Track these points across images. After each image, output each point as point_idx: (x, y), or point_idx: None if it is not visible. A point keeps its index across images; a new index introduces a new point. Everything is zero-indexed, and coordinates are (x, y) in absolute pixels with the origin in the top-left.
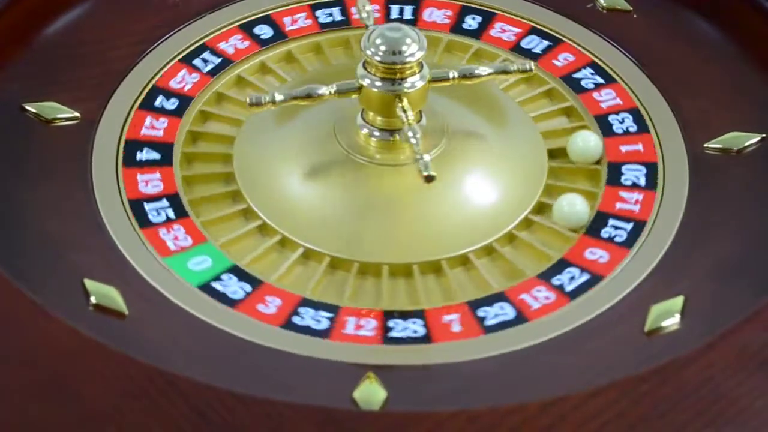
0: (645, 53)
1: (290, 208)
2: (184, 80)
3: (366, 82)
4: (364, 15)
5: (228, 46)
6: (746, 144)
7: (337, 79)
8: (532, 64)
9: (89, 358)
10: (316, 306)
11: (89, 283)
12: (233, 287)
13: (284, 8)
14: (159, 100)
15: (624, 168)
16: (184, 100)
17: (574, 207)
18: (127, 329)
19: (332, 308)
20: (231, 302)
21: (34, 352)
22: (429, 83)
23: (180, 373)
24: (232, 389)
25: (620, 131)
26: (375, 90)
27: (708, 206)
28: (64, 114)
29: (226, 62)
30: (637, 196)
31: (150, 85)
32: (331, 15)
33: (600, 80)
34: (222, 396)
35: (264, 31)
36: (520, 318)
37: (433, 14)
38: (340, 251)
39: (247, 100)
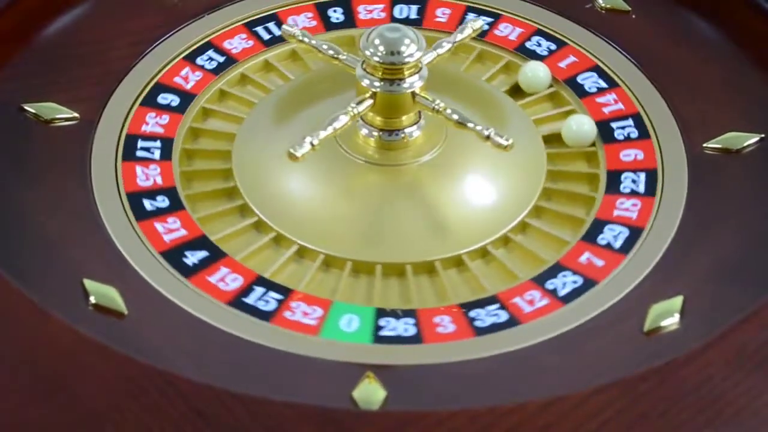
0: (644, 54)
1: (286, 206)
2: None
3: (365, 83)
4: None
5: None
6: (745, 144)
7: (341, 77)
8: (511, 142)
9: (88, 358)
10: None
11: (88, 283)
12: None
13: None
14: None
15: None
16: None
17: (582, 126)
18: (126, 329)
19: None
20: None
21: (33, 352)
22: (414, 100)
23: (179, 373)
24: (231, 389)
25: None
26: (373, 89)
27: (707, 206)
28: (63, 114)
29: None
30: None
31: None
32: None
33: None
34: (221, 396)
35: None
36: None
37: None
38: (334, 250)
39: (284, 29)
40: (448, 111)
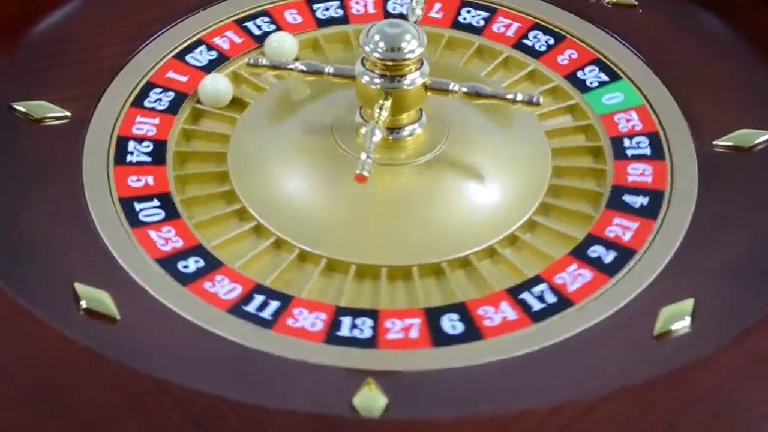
0: (651, 49)
1: (286, 209)
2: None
3: (365, 79)
4: (414, 17)
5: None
6: (756, 141)
7: (319, 84)
8: (540, 98)
9: (80, 365)
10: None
11: (79, 287)
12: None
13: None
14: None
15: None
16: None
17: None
18: (118, 334)
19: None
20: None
21: (23, 358)
22: (426, 89)
23: (174, 380)
24: (227, 396)
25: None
26: (373, 87)
27: (718, 205)
28: (53, 113)
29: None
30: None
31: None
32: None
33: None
34: (217, 403)
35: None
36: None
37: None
38: (337, 253)
39: (247, 60)
40: (465, 89)
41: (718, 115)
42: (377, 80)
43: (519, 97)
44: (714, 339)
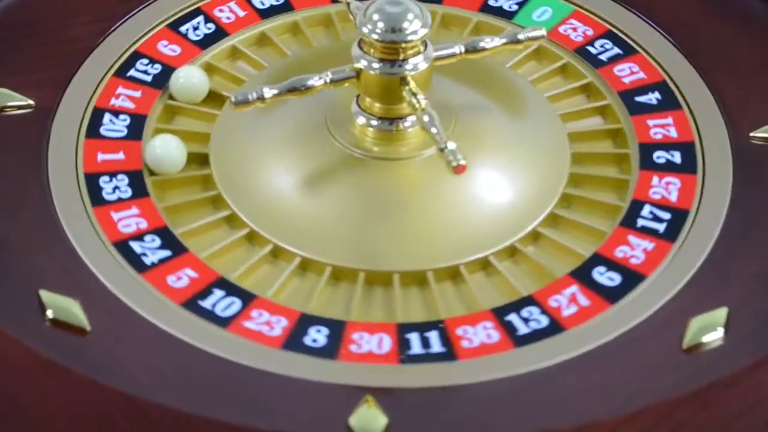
0: (688, 35)
1: (281, 213)
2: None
3: (363, 63)
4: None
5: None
6: None
7: (321, 64)
8: (544, 31)
9: (46, 380)
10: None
11: (45, 295)
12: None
13: None
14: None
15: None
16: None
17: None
18: (89, 347)
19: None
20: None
21: None
22: (433, 63)
23: (149, 398)
24: (206, 415)
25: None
26: (373, 73)
27: (755, 204)
28: (15, 102)
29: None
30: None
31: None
32: None
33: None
34: (197, 424)
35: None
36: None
37: None
38: (343, 260)
39: (231, 98)
40: (464, 48)
41: (756, 104)
42: (376, 65)
43: (523, 35)
44: (749, 352)
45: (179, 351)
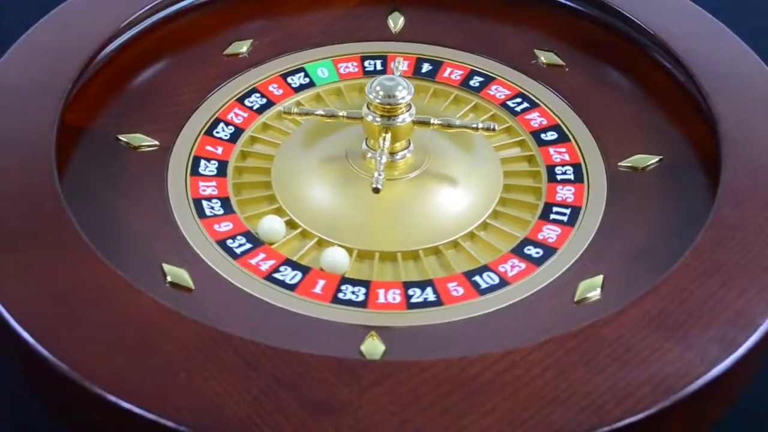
0: (575, 97)
1: (322, 216)
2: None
3: (369, 117)
4: (398, 72)
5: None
6: (648, 163)
7: (335, 123)
8: (496, 125)
9: (166, 322)
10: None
11: (166, 266)
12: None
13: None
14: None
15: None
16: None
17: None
18: (194, 301)
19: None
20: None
21: (124, 317)
22: (414, 124)
23: (232, 332)
24: (270, 344)
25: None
26: (375, 124)
27: (621, 209)
28: (147, 142)
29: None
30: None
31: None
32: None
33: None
34: (262, 349)
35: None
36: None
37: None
38: (365, 245)
39: (282, 109)
40: (439, 122)
41: (622, 144)
42: (378, 119)
43: (480, 125)
44: (617, 304)
45: (250, 302)
